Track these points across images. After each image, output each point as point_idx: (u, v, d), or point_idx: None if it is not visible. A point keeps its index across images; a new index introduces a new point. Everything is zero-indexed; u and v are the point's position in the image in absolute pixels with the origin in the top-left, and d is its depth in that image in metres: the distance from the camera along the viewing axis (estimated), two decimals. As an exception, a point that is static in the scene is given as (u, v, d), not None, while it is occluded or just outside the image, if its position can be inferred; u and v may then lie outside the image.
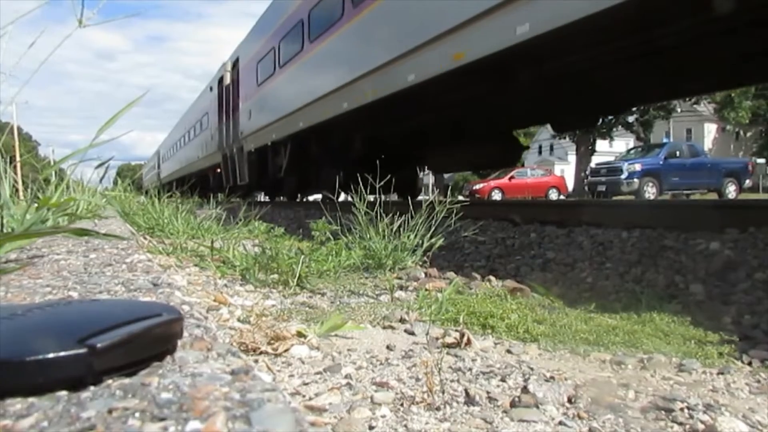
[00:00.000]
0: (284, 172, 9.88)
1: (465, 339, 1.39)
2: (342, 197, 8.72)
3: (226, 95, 13.69)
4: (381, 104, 6.02)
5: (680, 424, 0.98)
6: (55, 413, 0.42)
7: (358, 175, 3.37)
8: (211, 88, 16.00)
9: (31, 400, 0.44)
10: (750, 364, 1.44)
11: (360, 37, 6.57)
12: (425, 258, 2.71)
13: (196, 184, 18.24)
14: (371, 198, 3.13)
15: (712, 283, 2.32)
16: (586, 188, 17.83)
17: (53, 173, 2.72)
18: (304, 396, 1.02)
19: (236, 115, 12.60)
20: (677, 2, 3.31)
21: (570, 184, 22.38)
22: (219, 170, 14.82)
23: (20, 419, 0.41)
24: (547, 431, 0.93)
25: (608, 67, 4.38)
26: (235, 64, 13.23)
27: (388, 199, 3.05)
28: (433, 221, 2.77)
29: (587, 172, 17.88)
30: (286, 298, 1.95)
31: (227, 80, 13.82)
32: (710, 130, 36.53)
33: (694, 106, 28.14)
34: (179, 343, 0.60)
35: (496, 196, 19.26)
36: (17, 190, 2.55)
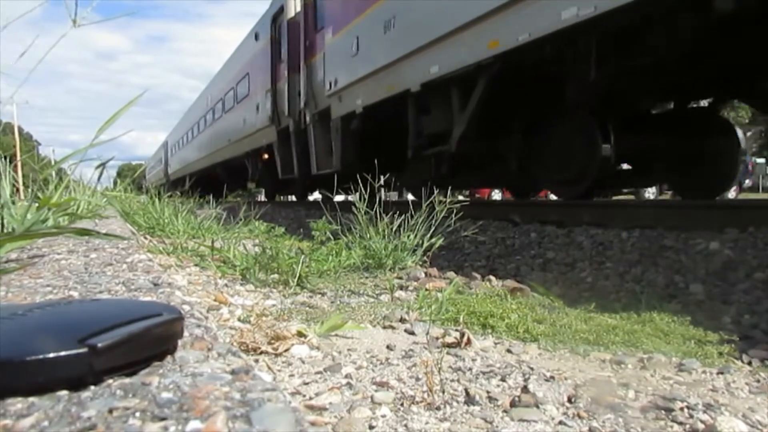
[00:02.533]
0: (458, 143, 4.82)
1: (465, 339, 1.39)
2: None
3: (291, 36, 8.64)
4: None
5: (680, 423, 0.98)
6: (56, 413, 0.42)
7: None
8: (256, 36, 10.66)
9: (31, 399, 0.44)
10: (750, 363, 1.44)
11: None
12: (425, 258, 2.71)
13: (221, 178, 14.60)
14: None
15: (711, 283, 2.32)
16: (586, 188, 17.81)
17: (53, 173, 2.73)
18: (304, 395, 1.02)
19: (313, 63, 7.83)
20: None
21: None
22: (267, 156, 10.39)
23: (21, 419, 0.41)
24: (547, 431, 0.93)
25: None
26: None
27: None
28: (433, 221, 2.77)
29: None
30: (287, 298, 1.95)
31: (292, 10, 8.67)
32: (710, 129, 36.46)
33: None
34: (180, 342, 0.60)
35: (496, 195, 19.26)
36: (18, 190, 2.56)
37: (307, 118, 8.07)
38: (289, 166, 9.04)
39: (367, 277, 2.43)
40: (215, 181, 15.00)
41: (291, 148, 8.80)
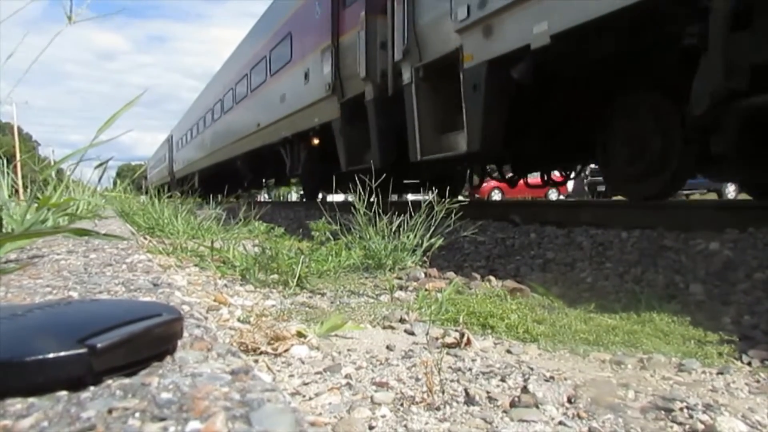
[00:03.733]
0: None
1: (465, 339, 1.39)
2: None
3: None
4: None
5: (680, 423, 0.98)
6: (55, 413, 0.42)
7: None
8: None
9: (31, 400, 0.44)
10: (749, 364, 1.44)
11: None
12: (425, 258, 2.71)
13: (241, 174, 12.44)
14: None
15: (711, 283, 2.32)
16: (586, 188, 17.82)
17: (53, 173, 2.73)
18: (304, 396, 1.02)
19: None
20: None
21: (570, 184, 22.31)
22: (317, 140, 7.93)
23: (20, 419, 0.41)
24: (547, 431, 0.93)
25: None
26: None
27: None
28: (433, 221, 2.77)
29: (587, 172, 17.84)
30: (286, 298, 1.95)
31: None
32: (710, 130, 36.36)
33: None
34: (179, 343, 0.60)
35: (496, 196, 19.25)
36: (17, 191, 2.56)
37: (405, 77, 5.14)
38: (360, 151, 6.38)
39: (366, 278, 2.43)
40: (233, 178, 13.40)
41: (367, 124, 6.04)
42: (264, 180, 14.10)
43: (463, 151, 4.47)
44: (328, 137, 7.31)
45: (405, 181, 7.93)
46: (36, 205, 1.70)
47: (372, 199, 2.88)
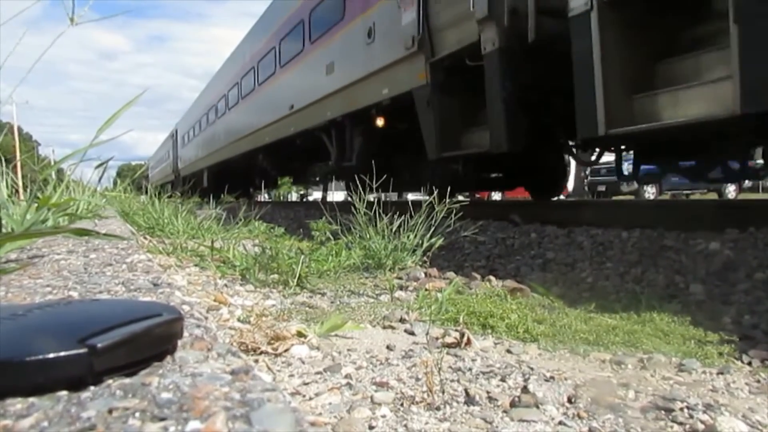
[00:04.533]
0: None
1: (465, 339, 1.39)
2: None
3: None
4: None
5: (680, 423, 0.98)
6: (56, 413, 0.42)
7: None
8: None
9: (31, 399, 0.44)
10: (750, 363, 1.44)
11: None
12: (425, 258, 2.71)
13: (261, 168, 10.83)
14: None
15: (712, 283, 2.32)
16: (586, 188, 17.82)
17: (53, 173, 2.73)
18: (304, 396, 1.02)
19: None
20: None
21: (570, 184, 22.30)
22: (383, 120, 5.88)
23: (20, 419, 0.41)
24: (547, 431, 0.93)
25: None
26: None
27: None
28: (433, 221, 2.77)
29: (587, 172, 17.86)
30: (286, 298, 1.95)
31: None
32: (710, 129, 36.25)
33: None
34: (179, 342, 0.60)
35: (496, 195, 19.24)
36: (17, 191, 2.56)
37: (574, 5, 3.08)
38: (461, 130, 4.61)
39: (366, 278, 2.43)
40: (249, 175, 12.36)
41: (476, 91, 4.12)
42: (282, 175, 12.55)
43: (728, 114, 2.41)
44: (402, 114, 5.37)
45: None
46: (36, 205, 1.70)
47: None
